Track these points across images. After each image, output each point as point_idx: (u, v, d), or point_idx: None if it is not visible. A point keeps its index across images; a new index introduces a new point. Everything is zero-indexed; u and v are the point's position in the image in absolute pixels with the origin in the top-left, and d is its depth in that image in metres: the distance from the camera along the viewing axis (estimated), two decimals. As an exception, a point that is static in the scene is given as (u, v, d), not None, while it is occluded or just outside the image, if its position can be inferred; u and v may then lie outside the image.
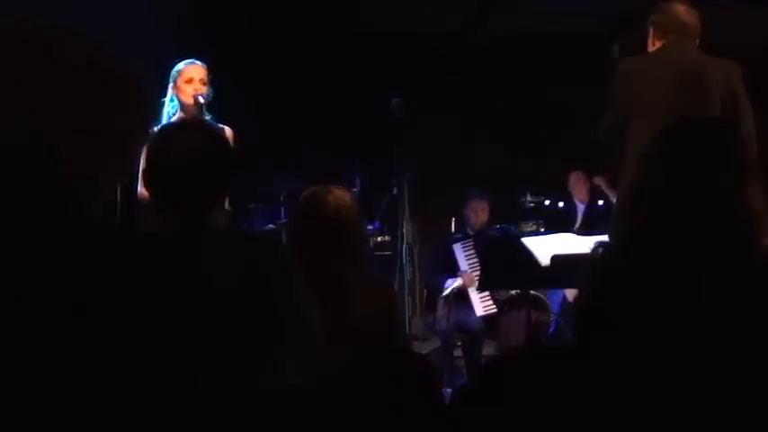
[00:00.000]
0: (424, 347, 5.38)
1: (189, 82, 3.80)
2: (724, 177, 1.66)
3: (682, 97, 3.46)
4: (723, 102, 3.50)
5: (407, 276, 5.07)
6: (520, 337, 5.03)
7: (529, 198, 6.32)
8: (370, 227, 5.62)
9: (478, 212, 5.72)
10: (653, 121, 3.31)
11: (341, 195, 2.55)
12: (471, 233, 5.72)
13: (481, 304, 5.45)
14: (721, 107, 3.48)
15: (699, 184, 1.66)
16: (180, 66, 3.85)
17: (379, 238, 5.86)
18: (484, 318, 5.41)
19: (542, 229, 5.91)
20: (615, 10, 6.27)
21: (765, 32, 6.38)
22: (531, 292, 5.14)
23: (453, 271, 5.58)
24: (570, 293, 5.22)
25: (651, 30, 3.69)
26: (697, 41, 3.65)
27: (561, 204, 6.68)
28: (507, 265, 4.40)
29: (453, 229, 6.14)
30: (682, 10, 3.64)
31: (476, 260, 5.51)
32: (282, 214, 5.47)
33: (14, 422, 0.93)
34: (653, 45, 3.69)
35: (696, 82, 3.52)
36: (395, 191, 5.20)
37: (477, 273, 5.43)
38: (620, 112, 3.58)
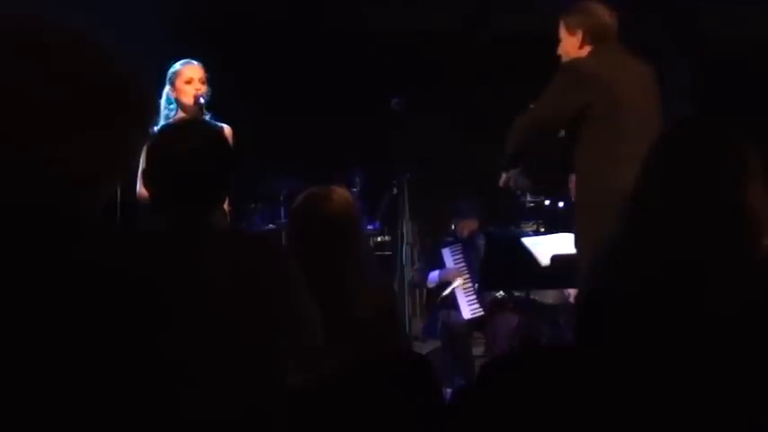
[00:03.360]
0: (424, 347, 5.37)
1: (189, 82, 3.79)
2: (724, 177, 1.66)
3: (642, 98, 3.42)
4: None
5: (407, 276, 5.07)
6: (506, 341, 5.00)
7: (529, 198, 6.31)
8: (370, 227, 5.62)
9: (465, 230, 5.74)
10: (621, 122, 3.29)
11: (341, 195, 2.55)
12: (461, 238, 5.75)
13: (468, 307, 5.42)
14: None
15: (699, 184, 1.65)
16: (177, 67, 3.83)
17: (379, 238, 5.86)
18: (470, 320, 5.37)
19: (542, 229, 5.90)
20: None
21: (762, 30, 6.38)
22: (517, 294, 5.12)
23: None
24: (570, 293, 5.21)
25: (580, 33, 3.55)
26: None
27: (561, 204, 6.67)
28: (507, 266, 4.40)
29: (453, 228, 6.15)
30: (604, 11, 3.56)
31: (463, 264, 5.53)
32: (282, 214, 5.46)
33: (13, 422, 0.93)
34: (580, 48, 3.56)
35: (649, 84, 3.50)
36: (395, 191, 5.19)
37: (465, 275, 5.47)
38: (576, 111, 3.49)
